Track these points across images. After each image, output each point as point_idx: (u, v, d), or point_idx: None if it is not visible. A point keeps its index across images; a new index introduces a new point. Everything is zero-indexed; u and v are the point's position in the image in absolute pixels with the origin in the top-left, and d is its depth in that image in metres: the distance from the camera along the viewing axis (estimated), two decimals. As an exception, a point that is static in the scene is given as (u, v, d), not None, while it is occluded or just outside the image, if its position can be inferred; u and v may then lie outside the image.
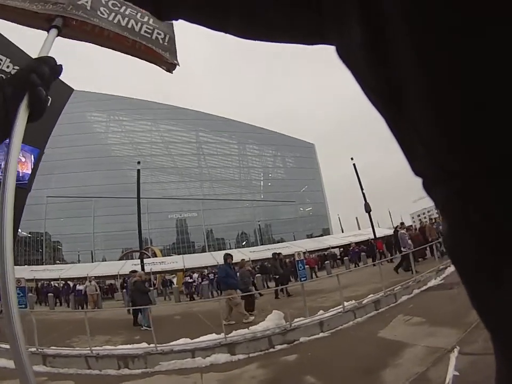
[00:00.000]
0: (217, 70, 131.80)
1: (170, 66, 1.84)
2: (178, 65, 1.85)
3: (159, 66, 1.85)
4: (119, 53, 1.78)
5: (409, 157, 0.38)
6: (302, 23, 0.45)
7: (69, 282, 22.81)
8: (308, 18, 0.44)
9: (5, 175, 0.78)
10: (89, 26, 1.59)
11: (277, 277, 14.65)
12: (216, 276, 20.26)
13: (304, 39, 0.49)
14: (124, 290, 19.61)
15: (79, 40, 1.65)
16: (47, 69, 0.82)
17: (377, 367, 4.90)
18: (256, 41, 0.58)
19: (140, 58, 1.82)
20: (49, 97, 0.87)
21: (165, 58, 1.78)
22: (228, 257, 10.86)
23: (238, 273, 11.57)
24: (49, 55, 1.10)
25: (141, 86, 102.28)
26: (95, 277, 21.27)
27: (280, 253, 16.63)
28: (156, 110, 64.08)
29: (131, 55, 1.79)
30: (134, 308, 10.57)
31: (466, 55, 0.29)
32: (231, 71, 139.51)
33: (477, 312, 0.36)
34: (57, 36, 1.33)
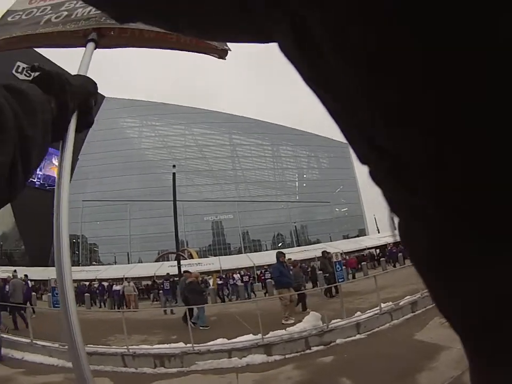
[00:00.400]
0: (247, 71, 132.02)
1: (221, 52, 1.77)
2: (230, 50, 1.77)
3: (210, 55, 1.77)
4: (161, 50, 1.79)
5: (349, 141, 0.38)
6: (247, 24, 0.46)
7: (103, 283, 23.19)
8: (251, 20, 0.44)
9: (59, 180, 0.85)
10: (128, 32, 1.58)
11: (327, 275, 14.47)
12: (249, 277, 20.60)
13: (253, 38, 0.51)
14: (161, 291, 19.70)
15: (118, 47, 1.65)
16: (98, 96, 0.92)
17: (412, 370, 4.89)
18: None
19: (187, 50, 1.78)
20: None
21: (214, 45, 1.70)
22: (280, 255, 10.83)
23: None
24: (88, 67, 1.18)
25: (172, 91, 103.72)
26: (131, 278, 21.60)
27: (329, 252, 16.46)
28: (188, 114, 64.75)
29: (178, 50, 1.74)
30: (188, 306, 10.56)
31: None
32: (262, 71, 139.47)
33: (435, 305, 0.36)
34: (95, 49, 1.35)
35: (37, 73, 0.74)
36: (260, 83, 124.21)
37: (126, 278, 19.81)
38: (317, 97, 0.38)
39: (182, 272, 16.32)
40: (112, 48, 1.62)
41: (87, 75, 1.04)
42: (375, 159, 0.34)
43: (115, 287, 20.49)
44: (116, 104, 55.45)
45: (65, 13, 1.53)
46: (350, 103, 0.33)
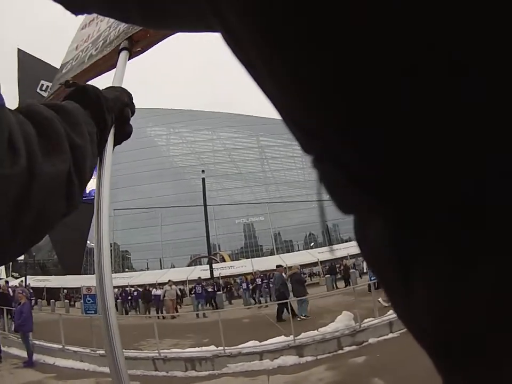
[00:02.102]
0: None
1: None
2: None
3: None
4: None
5: (290, 129, 0.38)
6: (187, 13, 0.47)
7: (138, 288, 23.39)
8: (190, 8, 0.45)
9: (98, 194, 0.84)
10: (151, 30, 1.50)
11: None
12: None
13: (195, 28, 0.52)
14: (193, 294, 19.48)
15: (150, 47, 1.57)
16: (133, 107, 0.90)
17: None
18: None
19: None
20: None
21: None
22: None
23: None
24: (123, 78, 1.16)
25: (196, 97, 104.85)
26: (159, 284, 21.60)
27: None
28: (214, 119, 65.34)
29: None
30: (280, 302, 11.13)
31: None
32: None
33: (395, 315, 0.36)
34: (129, 59, 1.34)
35: (71, 89, 0.74)
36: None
37: (170, 282, 19.09)
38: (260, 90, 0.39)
39: (212, 275, 16.38)
40: (146, 50, 1.56)
41: (122, 86, 1.03)
42: (319, 152, 0.36)
43: (155, 292, 19.93)
44: (140, 114, 56.39)
45: (102, 42, 1.57)
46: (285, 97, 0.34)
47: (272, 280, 15.94)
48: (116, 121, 0.79)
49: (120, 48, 1.36)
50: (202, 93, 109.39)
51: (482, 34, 0.21)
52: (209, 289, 19.02)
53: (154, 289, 20.48)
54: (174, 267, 47.57)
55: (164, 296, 18.35)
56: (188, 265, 41.44)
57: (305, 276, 24.70)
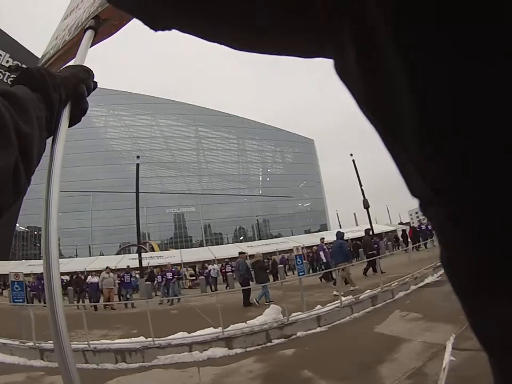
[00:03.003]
0: (217, 64, 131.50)
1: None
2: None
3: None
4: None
5: (403, 175, 0.37)
6: (300, 38, 0.44)
7: (66, 276, 22.15)
8: (305, 33, 0.42)
9: (49, 174, 0.80)
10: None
11: (372, 252, 14.83)
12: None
13: (303, 53, 0.48)
14: (122, 283, 18.15)
15: (122, 25, 1.60)
16: (92, 82, 0.87)
17: (374, 362, 4.91)
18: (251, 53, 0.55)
19: None
20: None
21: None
22: (342, 234, 12.56)
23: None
24: (86, 56, 1.12)
25: (142, 80, 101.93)
26: (95, 271, 20.39)
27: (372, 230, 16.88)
28: (156, 104, 63.93)
29: None
30: (245, 288, 11.81)
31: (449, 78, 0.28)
32: (232, 64, 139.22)
33: (472, 331, 0.35)
34: (98, 40, 1.32)
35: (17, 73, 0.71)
36: (231, 75, 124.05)
37: (107, 268, 17.48)
38: (370, 123, 0.38)
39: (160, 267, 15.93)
40: (115, 31, 1.51)
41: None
42: (425, 194, 0.35)
43: (91, 279, 17.83)
44: None
45: (75, 26, 1.50)
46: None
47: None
48: (71, 98, 0.78)
49: (86, 27, 1.32)
50: (150, 77, 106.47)
51: None
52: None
53: (90, 277, 18.47)
54: (103, 255, 45.90)
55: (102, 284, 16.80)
56: (117, 253, 40.38)
57: (233, 269, 24.90)
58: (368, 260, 13.44)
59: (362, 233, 25.12)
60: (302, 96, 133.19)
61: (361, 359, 5.14)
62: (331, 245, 13.54)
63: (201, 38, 0.55)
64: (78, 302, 17.19)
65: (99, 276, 17.61)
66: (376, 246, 20.08)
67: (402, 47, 0.29)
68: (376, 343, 5.71)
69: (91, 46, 1.27)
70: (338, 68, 0.39)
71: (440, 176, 0.32)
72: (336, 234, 12.63)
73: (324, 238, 16.64)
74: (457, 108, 0.28)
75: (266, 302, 10.79)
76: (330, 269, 13.02)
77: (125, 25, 1.56)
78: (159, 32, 0.61)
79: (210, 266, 22.91)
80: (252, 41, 0.51)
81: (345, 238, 13.99)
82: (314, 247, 25.64)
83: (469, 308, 0.35)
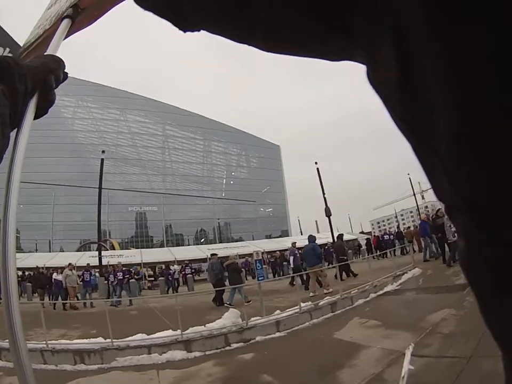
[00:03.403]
0: (189, 63, 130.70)
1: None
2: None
3: None
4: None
5: (432, 183, 0.38)
6: (329, 42, 0.44)
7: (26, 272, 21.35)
8: (336, 37, 0.42)
9: (11, 167, 0.76)
10: None
11: (343, 257, 14.92)
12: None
13: (331, 56, 0.48)
14: (82, 282, 17.32)
15: (101, 14, 1.54)
16: (61, 73, 0.83)
17: (333, 367, 4.95)
18: (280, 55, 0.55)
19: None
20: None
21: None
22: (314, 238, 12.98)
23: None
24: (59, 46, 1.09)
25: (115, 72, 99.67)
26: (54, 268, 19.55)
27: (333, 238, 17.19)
28: (125, 99, 62.57)
29: None
30: (219, 288, 12.13)
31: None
32: (205, 65, 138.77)
33: (490, 333, 0.37)
34: (74, 30, 1.28)
35: None
36: (204, 75, 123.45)
37: (71, 265, 16.55)
38: (401, 131, 0.40)
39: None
40: (94, 20, 1.44)
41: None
42: (453, 201, 0.37)
43: (56, 277, 16.82)
44: None
45: (55, 16, 1.43)
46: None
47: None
48: (38, 89, 0.75)
49: (63, 16, 1.27)
50: (123, 70, 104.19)
51: None
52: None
53: (56, 274, 17.42)
54: (63, 251, 44.16)
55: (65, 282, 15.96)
56: (77, 250, 39.14)
57: (193, 271, 24.74)
58: (340, 264, 13.63)
59: (324, 241, 25.71)
60: (272, 101, 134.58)
61: (320, 364, 5.19)
62: (303, 249, 13.71)
63: (229, 39, 0.56)
64: (40, 300, 16.08)
65: (60, 273, 16.80)
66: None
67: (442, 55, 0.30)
68: (335, 349, 5.78)
69: (68, 35, 1.23)
70: (371, 74, 0.40)
71: (468, 182, 0.33)
72: (308, 238, 12.96)
73: (295, 243, 16.78)
74: (493, 117, 0.29)
75: (246, 303, 10.71)
76: (301, 273, 13.28)
77: (103, 15, 1.52)
78: (188, 33, 0.62)
79: (173, 267, 22.65)
80: (281, 46, 0.52)
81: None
82: (277, 252, 25.85)
83: (488, 307, 0.36)
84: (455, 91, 0.31)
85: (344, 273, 13.70)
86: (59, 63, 0.83)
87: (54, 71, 0.79)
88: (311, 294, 10.84)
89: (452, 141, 0.32)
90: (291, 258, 15.24)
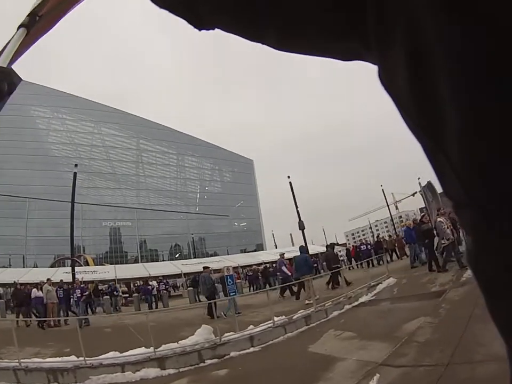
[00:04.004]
0: (164, 77, 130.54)
1: None
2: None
3: None
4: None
5: (439, 177, 0.39)
6: (343, 42, 0.45)
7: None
8: (349, 37, 0.43)
9: None
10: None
11: (336, 266, 14.99)
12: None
13: (343, 56, 0.49)
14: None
15: (56, 22, 1.42)
16: (6, 84, 0.82)
17: (308, 381, 4.91)
18: (291, 53, 0.56)
19: None
20: None
21: None
22: (306, 248, 14.24)
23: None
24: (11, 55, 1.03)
25: (90, 83, 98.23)
26: (29, 284, 18.60)
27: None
28: (100, 111, 61.68)
29: None
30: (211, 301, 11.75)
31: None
32: (179, 80, 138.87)
33: (496, 327, 0.38)
34: (32, 39, 1.25)
35: None
36: (178, 89, 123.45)
37: (50, 281, 15.93)
38: (411, 131, 0.41)
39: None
40: (49, 28, 1.41)
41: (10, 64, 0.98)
42: (461, 198, 0.38)
43: (37, 293, 15.61)
44: (29, 90, 49.81)
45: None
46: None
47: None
48: None
49: (19, 25, 1.24)
50: (97, 81, 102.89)
51: None
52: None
53: (35, 290, 16.20)
54: (37, 266, 42.50)
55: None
56: (51, 266, 37.85)
57: (168, 287, 24.30)
58: (332, 271, 14.05)
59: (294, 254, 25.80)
60: (245, 117, 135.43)
61: (295, 379, 5.13)
62: (295, 259, 13.84)
63: (242, 37, 0.56)
64: (17, 317, 14.92)
65: (40, 289, 15.90)
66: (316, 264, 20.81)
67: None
68: (310, 362, 5.72)
69: (29, 44, 1.23)
70: (383, 74, 0.41)
71: (477, 180, 0.34)
72: (300, 249, 13.80)
73: (284, 253, 16.90)
74: (503, 120, 0.31)
75: (236, 314, 10.51)
76: (289, 283, 13.82)
77: (62, 18, 1.48)
78: (203, 31, 0.62)
79: (152, 283, 22.38)
80: (294, 44, 0.53)
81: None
82: (254, 266, 25.79)
83: (495, 303, 0.37)
84: (465, 90, 0.32)
85: (337, 280, 13.89)
86: (4, 74, 0.83)
87: (2, 81, 0.79)
88: (307, 302, 10.91)
89: (461, 140, 0.33)
90: (283, 268, 15.44)
